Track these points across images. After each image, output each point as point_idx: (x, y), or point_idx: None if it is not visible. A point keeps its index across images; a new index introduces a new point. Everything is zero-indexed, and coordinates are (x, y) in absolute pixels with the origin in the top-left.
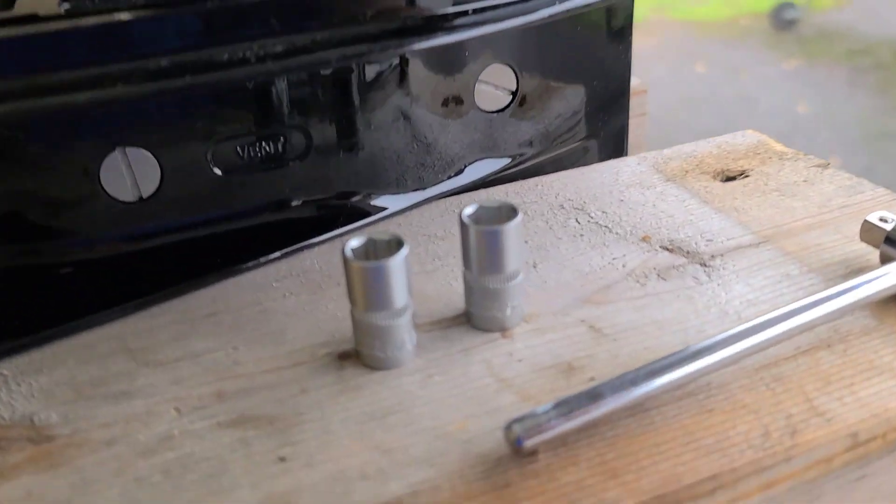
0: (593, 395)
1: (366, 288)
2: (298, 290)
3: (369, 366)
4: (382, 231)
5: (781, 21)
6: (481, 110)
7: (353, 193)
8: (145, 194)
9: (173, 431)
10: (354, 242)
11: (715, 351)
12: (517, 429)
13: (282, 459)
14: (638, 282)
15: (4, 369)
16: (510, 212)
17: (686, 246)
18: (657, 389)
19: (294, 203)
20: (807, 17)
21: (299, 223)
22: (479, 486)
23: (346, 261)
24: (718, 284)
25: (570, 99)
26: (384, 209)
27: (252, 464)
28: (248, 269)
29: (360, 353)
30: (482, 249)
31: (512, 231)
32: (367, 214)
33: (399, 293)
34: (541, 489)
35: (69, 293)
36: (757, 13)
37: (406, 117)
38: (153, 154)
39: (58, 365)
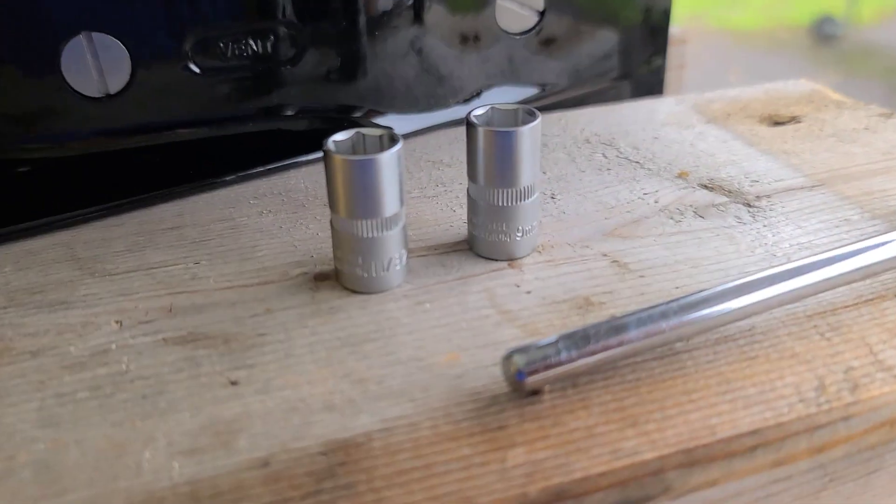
0: (614, 328)
1: (349, 188)
2: (278, 208)
3: (349, 288)
4: (374, 126)
5: (822, 35)
6: (504, 31)
7: (353, 108)
8: (112, 90)
9: (110, 345)
10: (340, 135)
11: (760, 288)
12: (518, 360)
13: (233, 383)
14: (671, 218)
15: None
16: (527, 115)
17: (728, 185)
18: (691, 327)
19: (282, 114)
20: (847, 32)
21: (287, 137)
22: (466, 426)
23: (326, 154)
24: (765, 225)
25: (603, 32)
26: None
27: (197, 386)
28: (224, 183)
29: (339, 273)
30: (491, 156)
31: (527, 135)
32: None
33: (389, 198)
34: (542, 433)
35: (19, 194)
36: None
37: (419, 27)
38: (123, 43)
39: None
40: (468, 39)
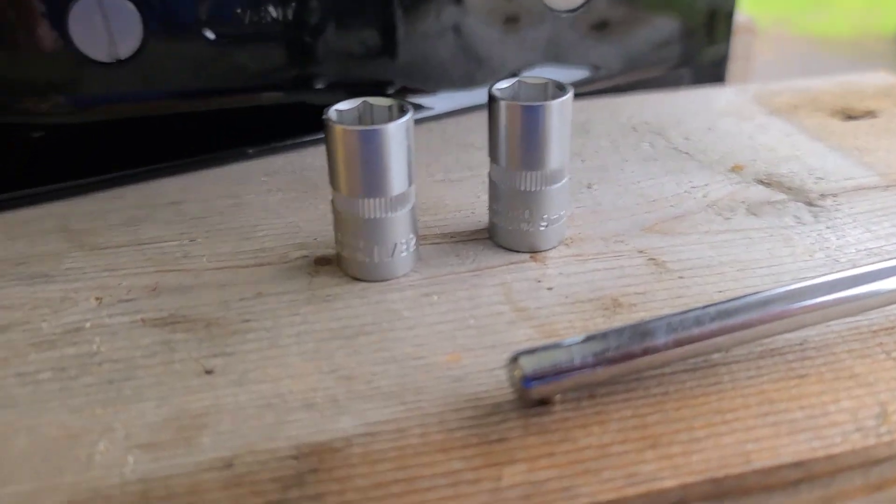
0: (639, 334)
1: (351, 162)
2: (288, 187)
3: (350, 274)
4: (382, 97)
5: None
6: (550, 8)
7: (383, 84)
8: (123, 55)
9: (84, 323)
10: (345, 105)
11: (815, 296)
12: (525, 364)
13: (208, 372)
14: (720, 214)
15: None
16: (557, 89)
17: (788, 181)
18: (730, 337)
19: (303, 87)
20: None
21: (306, 112)
22: (461, 435)
23: (326, 124)
24: (828, 227)
25: (662, 14)
26: (418, 108)
27: (168, 373)
28: (235, 158)
29: (340, 258)
30: (515, 134)
31: (556, 111)
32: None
33: (396, 175)
34: (547, 450)
35: (18, 161)
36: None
37: (456, 8)
38: (135, 5)
39: None
40: (511, 15)
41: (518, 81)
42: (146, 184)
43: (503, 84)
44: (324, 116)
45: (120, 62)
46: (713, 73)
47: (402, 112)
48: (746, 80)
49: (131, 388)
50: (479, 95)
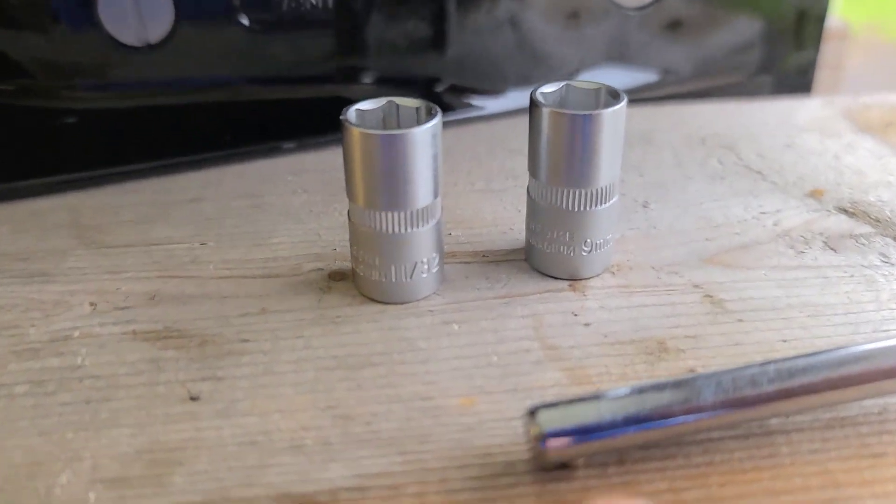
0: (683, 392)
1: (369, 170)
2: (315, 188)
3: (365, 293)
4: (410, 98)
5: None
6: (616, 5)
7: (430, 82)
8: (153, 40)
9: (73, 332)
10: (368, 104)
11: None
12: (545, 420)
13: (192, 399)
14: (792, 247)
15: None
16: (610, 97)
17: (876, 212)
18: (792, 402)
19: (342, 79)
20: None
21: (343, 107)
22: (463, 499)
23: (343, 126)
24: None
25: (742, 15)
26: (468, 107)
27: (151, 396)
28: (265, 154)
29: (355, 275)
30: (558, 145)
31: (608, 122)
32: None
33: (420, 186)
34: None
35: (35, 148)
36: None
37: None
38: None
39: None
40: (572, 10)
41: (566, 85)
42: (168, 177)
43: (548, 87)
44: (341, 116)
45: (150, 47)
46: (798, 82)
47: (431, 115)
48: (835, 92)
49: (108, 410)
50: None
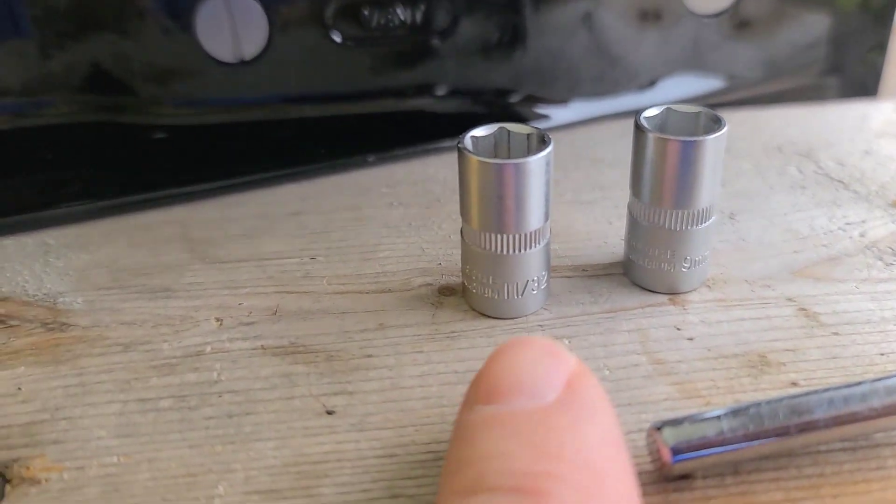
0: (795, 409)
1: (485, 196)
2: (411, 200)
3: (476, 309)
4: (521, 125)
5: None
6: (692, 12)
7: (509, 92)
8: (247, 56)
9: (205, 347)
10: (481, 131)
11: None
12: (670, 436)
13: (329, 413)
14: (881, 259)
15: (51, 238)
16: (711, 122)
17: None
18: None
19: (429, 93)
20: None
21: (431, 119)
22: None
23: (461, 153)
24: None
25: (810, 15)
26: (545, 117)
27: (288, 410)
28: (356, 166)
29: (466, 291)
30: (662, 169)
31: (711, 148)
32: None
33: (533, 211)
34: None
35: (141, 162)
36: None
37: (588, 10)
38: (262, 6)
39: (107, 243)
40: (647, 17)
41: (666, 109)
42: (266, 190)
43: (651, 112)
44: (458, 144)
45: (244, 63)
46: (866, 83)
47: (543, 142)
48: None
49: (251, 424)
50: (608, 105)
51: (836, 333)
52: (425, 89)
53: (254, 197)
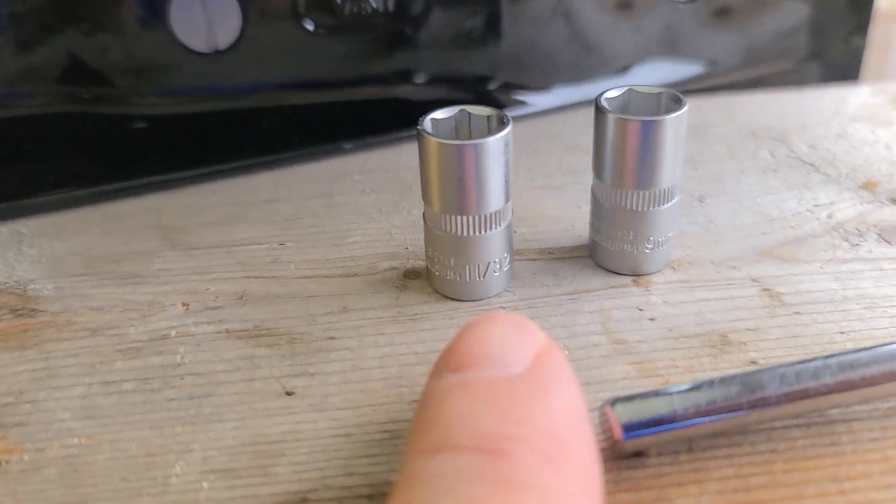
0: (748, 386)
1: (444, 177)
2: (383, 187)
3: (439, 291)
4: (481, 107)
5: None
6: None
7: (485, 80)
8: (221, 46)
9: (170, 331)
10: (441, 114)
11: None
12: (623, 413)
13: (288, 394)
14: (847, 240)
15: (25, 227)
16: (672, 102)
17: None
18: (853, 395)
19: (403, 81)
20: None
21: (406, 107)
22: None
23: (420, 135)
24: None
25: (788, 1)
26: (523, 104)
27: (248, 392)
28: (331, 153)
29: (430, 274)
30: (622, 150)
31: (671, 127)
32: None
33: (492, 192)
34: None
35: (117, 152)
36: None
37: None
38: None
39: (80, 232)
40: (623, 4)
41: (629, 90)
42: (241, 178)
43: (612, 93)
44: (418, 127)
45: (218, 52)
46: (846, 68)
47: (502, 124)
48: (883, 76)
49: (211, 405)
50: (586, 91)
51: (797, 313)
52: (399, 77)
53: (229, 185)
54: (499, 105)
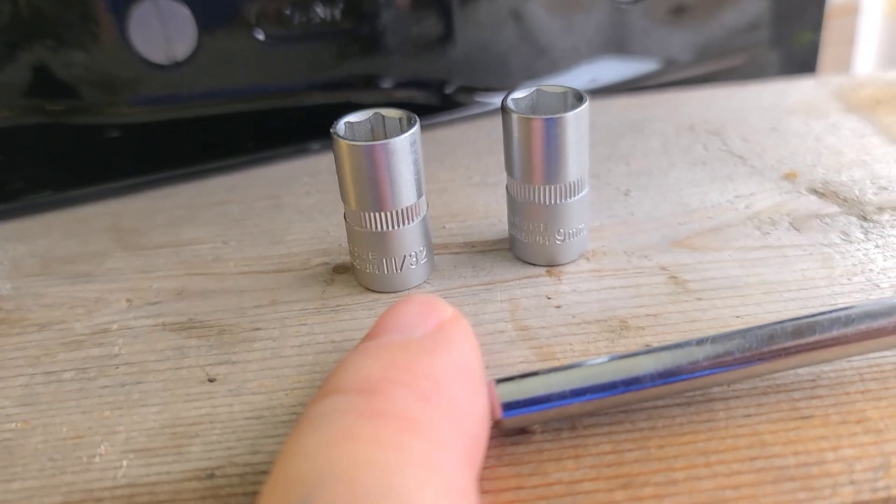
0: (622, 368)
1: (357, 176)
2: (328, 188)
3: (363, 284)
4: (394, 109)
5: None
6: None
7: (438, 84)
8: (180, 57)
9: (112, 325)
10: (355, 117)
11: (833, 329)
12: (503, 392)
13: (210, 380)
14: (759, 228)
15: None
16: (576, 100)
17: (845, 192)
18: (725, 376)
19: (352, 86)
20: None
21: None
22: None
23: (334, 138)
24: (877, 246)
25: None
26: (475, 104)
27: (174, 379)
28: (285, 157)
29: (354, 268)
30: (527, 147)
31: (571, 124)
32: (453, 107)
33: (403, 189)
34: (516, 483)
35: (81, 160)
36: None
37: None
38: (190, 9)
39: (44, 235)
40: (572, 5)
41: (536, 90)
42: (200, 182)
43: (519, 94)
44: (331, 129)
45: (178, 64)
46: (803, 61)
47: (411, 124)
48: (845, 69)
49: (140, 392)
50: None
51: (699, 299)
52: (349, 83)
53: (185, 189)
54: (455, 105)
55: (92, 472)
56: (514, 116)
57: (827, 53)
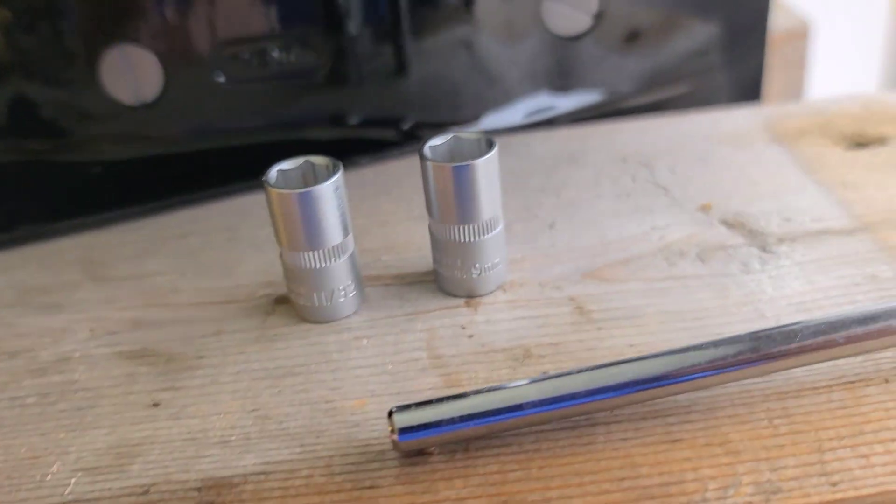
0: (507, 397)
1: (286, 220)
2: None
3: (300, 315)
4: (321, 157)
5: None
6: (553, 34)
7: (393, 121)
8: (148, 98)
9: (74, 353)
10: (286, 164)
11: (704, 359)
12: (398, 420)
13: (155, 405)
14: (667, 260)
15: None
16: (487, 145)
17: (753, 223)
18: (601, 404)
19: (308, 124)
20: None
21: (313, 146)
22: (340, 480)
23: (264, 185)
24: (770, 277)
25: (679, 26)
26: (413, 140)
27: (124, 404)
28: (243, 191)
29: (292, 301)
30: (442, 191)
31: (480, 169)
32: (409, 140)
33: (329, 229)
34: (409, 500)
35: (58, 195)
36: None
37: (460, 36)
38: (156, 55)
39: (21, 267)
40: (515, 40)
41: (454, 136)
42: (165, 215)
43: (437, 141)
44: (263, 178)
45: (146, 105)
46: (748, 89)
47: (335, 170)
48: (798, 93)
49: (93, 415)
50: (487, 123)
51: (599, 328)
52: (306, 121)
53: (153, 222)
54: (411, 139)
55: (43, 490)
56: (430, 164)
57: (776, 79)
